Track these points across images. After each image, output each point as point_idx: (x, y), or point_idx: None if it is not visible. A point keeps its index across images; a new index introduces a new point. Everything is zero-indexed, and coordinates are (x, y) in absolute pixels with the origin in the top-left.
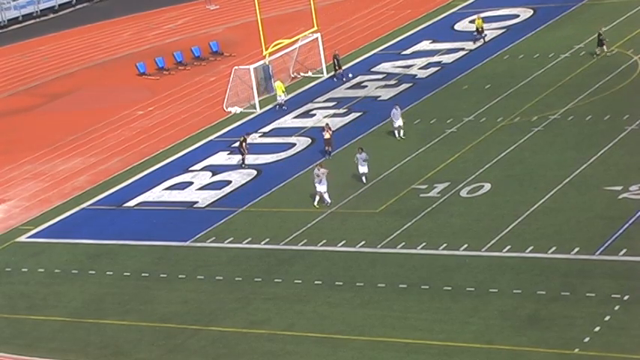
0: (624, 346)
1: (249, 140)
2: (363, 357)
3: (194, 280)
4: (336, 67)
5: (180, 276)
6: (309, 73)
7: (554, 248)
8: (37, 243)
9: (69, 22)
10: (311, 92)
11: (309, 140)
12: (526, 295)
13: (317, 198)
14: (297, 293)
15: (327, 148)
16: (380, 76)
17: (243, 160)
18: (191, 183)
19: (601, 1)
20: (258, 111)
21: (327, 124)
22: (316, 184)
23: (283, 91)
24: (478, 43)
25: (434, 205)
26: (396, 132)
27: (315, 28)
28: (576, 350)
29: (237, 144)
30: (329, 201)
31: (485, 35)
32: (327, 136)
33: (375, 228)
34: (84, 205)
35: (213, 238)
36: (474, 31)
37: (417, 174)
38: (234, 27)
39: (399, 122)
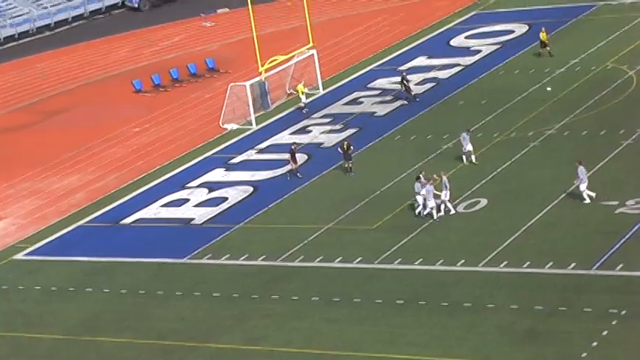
0: None
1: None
2: None
3: (191, 297)
4: (406, 89)
5: (177, 293)
6: (306, 90)
7: (551, 263)
8: (34, 261)
9: (65, 39)
10: (307, 108)
11: (305, 157)
12: (523, 311)
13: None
14: (294, 310)
15: (347, 164)
16: (376, 92)
17: (294, 170)
18: (188, 200)
19: (596, 17)
20: (255, 127)
21: (348, 140)
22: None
23: (303, 93)
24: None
25: (430, 221)
26: (464, 157)
27: (311, 44)
28: None
29: (288, 156)
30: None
31: (550, 49)
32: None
33: (371, 244)
34: (81, 223)
35: (210, 254)
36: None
37: (414, 190)
38: (230, 44)
39: (468, 147)
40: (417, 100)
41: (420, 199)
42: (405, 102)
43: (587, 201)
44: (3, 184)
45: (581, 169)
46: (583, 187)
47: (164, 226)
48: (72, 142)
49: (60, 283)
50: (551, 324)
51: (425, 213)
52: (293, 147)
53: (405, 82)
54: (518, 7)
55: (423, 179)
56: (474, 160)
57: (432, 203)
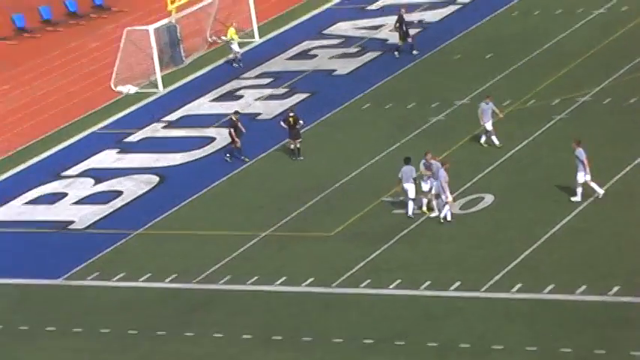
0: None
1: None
2: None
3: (69, 335)
4: (404, 33)
5: (48, 328)
6: (238, 36)
7: (583, 287)
8: None
9: None
10: (241, 62)
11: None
12: (544, 354)
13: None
14: (217, 352)
15: (293, 145)
16: (335, 42)
17: (235, 148)
18: (65, 194)
19: None
20: (162, 91)
21: (292, 112)
22: (423, 184)
23: (234, 40)
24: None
25: (412, 226)
26: (483, 136)
27: None
28: None
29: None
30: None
31: None
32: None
33: (329, 258)
34: None
35: (97, 273)
36: None
37: (390, 181)
38: None
39: (488, 125)
40: (415, 53)
41: (410, 191)
42: (396, 52)
43: (579, 198)
44: None
45: (580, 151)
46: (581, 177)
47: (30, 232)
48: None
49: None
50: None
51: (442, 215)
52: (234, 118)
53: (401, 23)
54: None
55: (427, 163)
56: (495, 142)
57: (449, 198)
